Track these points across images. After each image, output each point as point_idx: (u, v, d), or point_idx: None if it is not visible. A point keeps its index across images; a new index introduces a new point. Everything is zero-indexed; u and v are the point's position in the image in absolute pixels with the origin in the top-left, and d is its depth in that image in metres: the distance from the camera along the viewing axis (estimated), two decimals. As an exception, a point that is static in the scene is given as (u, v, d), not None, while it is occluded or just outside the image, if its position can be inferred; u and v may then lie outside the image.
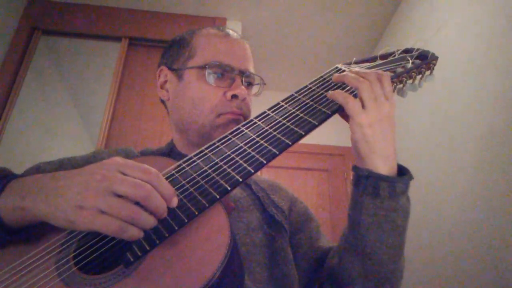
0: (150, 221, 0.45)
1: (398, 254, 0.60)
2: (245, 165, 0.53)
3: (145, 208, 0.45)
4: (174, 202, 0.47)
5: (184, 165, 0.55)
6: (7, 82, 2.00)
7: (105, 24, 2.25)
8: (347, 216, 0.64)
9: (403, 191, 0.58)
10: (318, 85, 0.65)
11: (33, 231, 0.51)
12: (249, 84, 0.79)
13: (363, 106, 0.58)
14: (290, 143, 0.55)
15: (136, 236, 0.44)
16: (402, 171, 0.61)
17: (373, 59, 0.73)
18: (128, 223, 0.43)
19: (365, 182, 0.58)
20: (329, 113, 0.59)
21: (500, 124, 1.27)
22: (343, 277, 0.64)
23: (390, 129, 0.59)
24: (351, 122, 0.58)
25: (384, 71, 0.67)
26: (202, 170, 0.53)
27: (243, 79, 0.76)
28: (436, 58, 0.70)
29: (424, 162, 1.74)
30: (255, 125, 0.59)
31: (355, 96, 0.59)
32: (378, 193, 0.57)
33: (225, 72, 0.74)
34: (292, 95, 0.64)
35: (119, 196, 0.44)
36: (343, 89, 0.62)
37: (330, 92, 0.61)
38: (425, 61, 0.69)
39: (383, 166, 0.58)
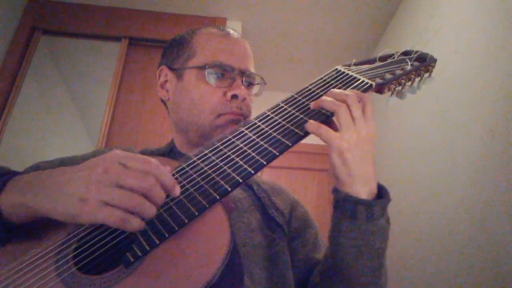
0: (153, 211, 0.45)
1: (377, 276, 0.60)
2: (245, 166, 0.53)
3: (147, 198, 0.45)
4: (177, 190, 0.48)
5: (184, 165, 0.55)
6: (7, 82, 2.00)
7: (105, 24, 2.25)
8: (327, 237, 0.64)
9: (381, 214, 0.58)
10: (318, 86, 0.66)
11: (33, 231, 0.51)
12: (250, 84, 0.79)
13: (341, 129, 0.57)
14: (290, 144, 0.55)
15: (138, 227, 0.45)
16: (382, 193, 0.60)
17: (372, 61, 0.73)
18: (131, 213, 0.44)
19: (343, 205, 0.58)
20: (329, 114, 0.59)
21: (500, 125, 1.27)
22: None
23: (369, 151, 0.58)
24: (329, 148, 0.57)
25: (384, 73, 0.68)
26: (202, 170, 0.53)
27: (243, 79, 0.76)
28: (435, 60, 0.70)
29: (423, 162, 1.74)
30: (255, 126, 0.59)
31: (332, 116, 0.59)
32: (356, 216, 0.57)
33: (225, 72, 0.74)
34: (292, 96, 0.64)
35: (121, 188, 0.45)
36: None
37: (305, 126, 0.59)
38: (424, 63, 0.69)
39: (363, 189, 0.57)
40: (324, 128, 0.57)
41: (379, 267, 0.59)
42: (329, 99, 0.59)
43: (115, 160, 0.47)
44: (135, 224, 0.44)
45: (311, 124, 0.58)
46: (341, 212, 0.58)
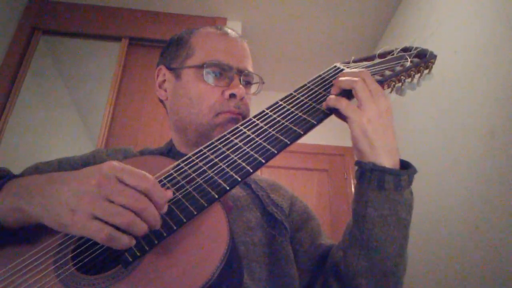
0: (144, 229, 0.44)
1: (403, 247, 0.60)
2: (244, 164, 0.52)
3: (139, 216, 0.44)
4: (164, 209, 0.47)
5: (182, 164, 0.55)
6: (7, 82, 2.00)
7: (105, 24, 2.25)
8: (351, 210, 0.64)
9: (408, 184, 0.58)
10: (316, 84, 0.65)
11: (32, 231, 0.51)
12: (248, 83, 0.79)
13: (361, 104, 0.58)
14: (289, 142, 0.55)
15: (127, 245, 0.44)
16: (405, 166, 0.61)
17: (372, 57, 0.73)
18: (121, 231, 0.43)
19: (370, 175, 0.58)
20: (328, 112, 0.59)
21: (501, 124, 1.27)
22: (348, 271, 0.64)
23: (389, 123, 0.59)
24: (349, 121, 0.58)
25: (383, 69, 0.67)
26: (201, 169, 0.53)
27: (241, 78, 0.76)
28: (435, 56, 0.69)
29: (424, 162, 1.74)
30: (253, 124, 0.59)
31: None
32: (383, 186, 0.57)
33: (223, 71, 0.74)
34: (291, 94, 0.64)
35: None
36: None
37: (323, 104, 0.61)
38: (423, 59, 0.68)
39: (388, 160, 0.58)
40: (344, 101, 0.58)
41: (404, 238, 0.60)
42: (344, 78, 0.60)
43: (110, 174, 0.45)
44: (124, 242, 0.43)
45: (330, 99, 0.59)
46: (367, 183, 0.58)
